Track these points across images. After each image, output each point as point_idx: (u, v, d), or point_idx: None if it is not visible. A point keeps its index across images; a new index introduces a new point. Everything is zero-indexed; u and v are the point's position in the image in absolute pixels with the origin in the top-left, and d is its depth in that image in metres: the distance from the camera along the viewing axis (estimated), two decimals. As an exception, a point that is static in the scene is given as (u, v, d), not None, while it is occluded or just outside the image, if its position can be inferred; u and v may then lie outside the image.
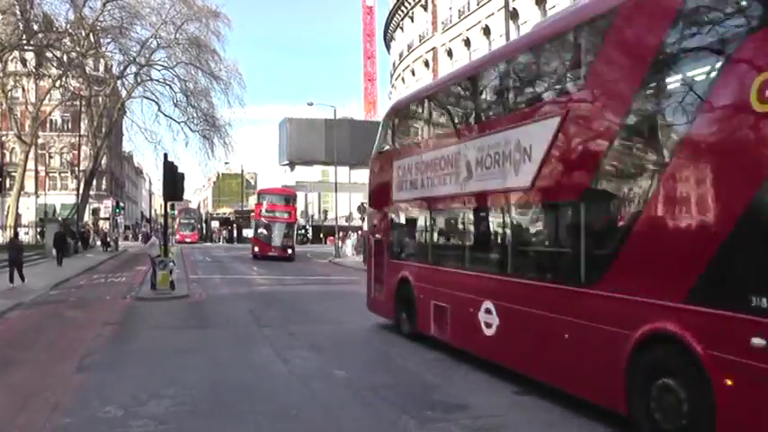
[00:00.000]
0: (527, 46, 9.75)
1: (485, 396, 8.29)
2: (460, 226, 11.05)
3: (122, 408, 7.43)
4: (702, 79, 6.15)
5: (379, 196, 14.08)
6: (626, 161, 7.21)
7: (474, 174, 9.88)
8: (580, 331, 7.28)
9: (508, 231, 9.35)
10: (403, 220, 13.27)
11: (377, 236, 14.12)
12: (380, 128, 14.62)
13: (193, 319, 15.61)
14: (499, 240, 9.78)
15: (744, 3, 5.84)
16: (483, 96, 10.80)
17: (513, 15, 29.23)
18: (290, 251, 40.07)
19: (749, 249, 5.39)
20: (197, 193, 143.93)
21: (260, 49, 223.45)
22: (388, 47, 55.08)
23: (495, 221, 9.99)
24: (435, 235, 11.95)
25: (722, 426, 5.48)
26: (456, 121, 11.55)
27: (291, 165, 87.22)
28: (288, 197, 43.97)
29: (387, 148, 14.00)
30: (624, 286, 6.63)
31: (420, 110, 13.03)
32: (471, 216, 10.57)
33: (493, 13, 33.47)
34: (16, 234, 28.78)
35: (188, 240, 69.63)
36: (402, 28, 48.08)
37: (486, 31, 34.70)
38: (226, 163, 56.25)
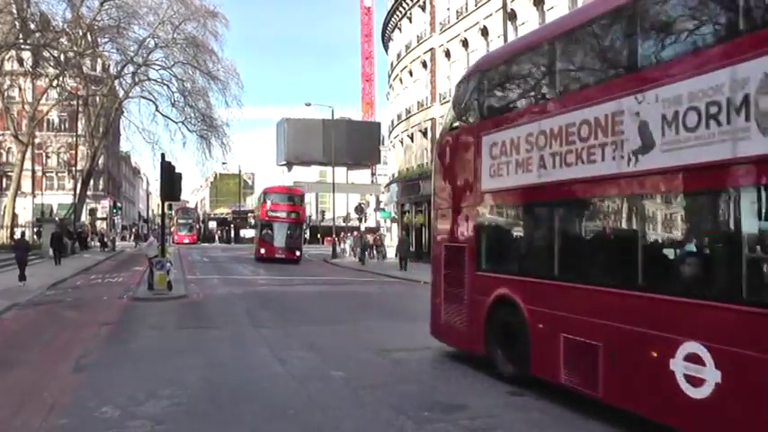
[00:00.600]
0: None
1: (482, 396, 8.29)
2: (623, 221, 7.71)
3: (119, 408, 7.42)
4: None
5: (457, 187, 10.59)
6: None
7: (660, 141, 6.57)
8: None
9: (745, 229, 5.92)
10: (501, 218, 9.85)
11: (451, 240, 10.60)
12: (455, 95, 11.31)
13: (191, 319, 15.59)
14: (720, 244, 6.44)
15: None
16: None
17: (511, 16, 29.24)
18: (297, 253, 38.72)
19: None
20: (194, 194, 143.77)
21: (258, 49, 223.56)
22: (386, 47, 55.03)
23: (704, 213, 6.78)
24: (569, 236, 8.42)
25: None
26: (622, 57, 7.58)
27: (289, 165, 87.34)
28: (295, 196, 42.21)
29: (470, 119, 10.48)
30: None
31: (536, 59, 9.29)
32: (648, 206, 7.12)
33: (491, 14, 33.44)
34: (23, 234, 29.06)
35: (186, 241, 68.65)
36: (400, 28, 48.04)
37: (485, 31, 34.68)
38: (223, 163, 56.24)
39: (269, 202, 39.88)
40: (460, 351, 10.42)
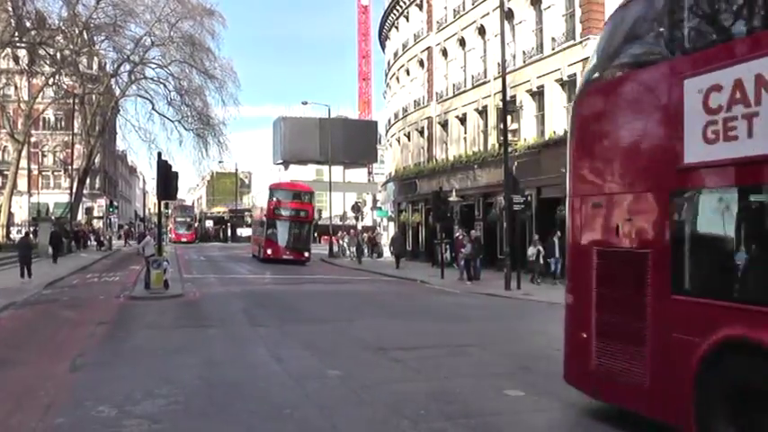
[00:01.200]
0: None
1: (480, 396, 8.29)
2: None
3: (116, 407, 7.41)
4: None
5: (622, 162, 7.09)
6: None
7: None
8: None
9: None
10: (724, 208, 5.98)
11: (612, 243, 7.04)
12: (613, 27, 7.63)
13: (187, 318, 15.59)
14: None
15: None
16: None
17: (508, 15, 29.24)
18: (306, 254, 36.92)
19: None
20: (191, 193, 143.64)
21: (255, 48, 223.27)
22: (383, 46, 55.03)
23: None
24: None
25: None
26: None
27: (285, 164, 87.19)
28: (303, 193, 40.07)
29: (653, 56, 6.92)
30: None
31: None
32: None
33: (488, 13, 33.46)
34: (27, 233, 29.48)
35: (184, 240, 67.24)
36: (397, 27, 48.04)
37: (482, 30, 34.70)
38: (220, 162, 56.00)
39: (276, 200, 37.72)
40: (629, 411, 6.74)
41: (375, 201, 59.00)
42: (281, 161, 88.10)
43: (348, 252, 43.86)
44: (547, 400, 8.12)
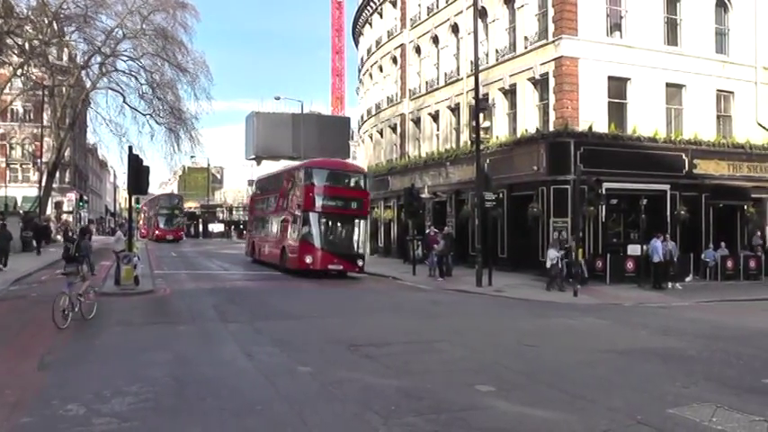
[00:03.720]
0: None
1: (451, 392, 8.38)
2: None
3: (84, 405, 7.36)
4: None
5: None
6: None
7: None
8: None
9: None
10: None
11: None
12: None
13: (158, 314, 15.52)
14: None
15: None
16: None
17: (481, 14, 29.39)
18: (360, 262, 26.80)
19: None
20: (162, 187, 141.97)
21: (228, 42, 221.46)
22: (356, 42, 54.98)
23: None
24: None
25: None
26: None
27: (258, 159, 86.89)
28: (356, 176, 28.90)
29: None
30: None
31: None
32: None
33: (461, 11, 33.62)
34: (4, 224, 29.22)
35: (170, 237, 58.76)
36: (371, 23, 48.03)
37: (455, 28, 34.84)
38: (192, 157, 55.56)
39: (316, 184, 26.60)
40: None
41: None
42: (253, 156, 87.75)
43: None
44: (517, 394, 8.24)
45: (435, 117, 37.32)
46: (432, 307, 18.22)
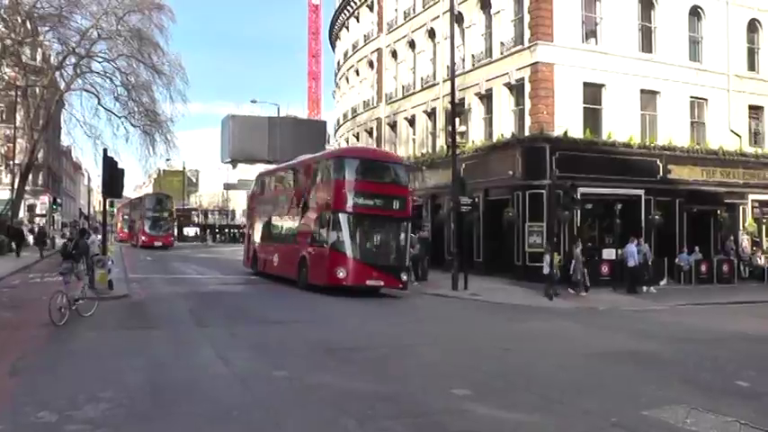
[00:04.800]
0: None
1: (427, 395, 8.40)
2: None
3: (57, 412, 7.24)
4: None
5: None
6: None
7: None
8: None
9: None
10: None
11: None
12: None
13: (133, 319, 15.33)
14: None
15: None
16: None
17: (458, 19, 29.53)
18: (404, 276, 21.77)
19: None
20: (137, 191, 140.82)
21: (204, 44, 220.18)
22: (333, 46, 55.02)
23: None
24: None
25: None
26: None
27: (234, 163, 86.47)
28: (397, 169, 23.23)
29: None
30: None
31: None
32: None
33: (438, 16, 33.77)
34: None
35: (158, 244, 51.85)
36: (347, 27, 48.09)
37: (432, 33, 34.99)
38: (167, 160, 54.79)
39: (350, 178, 21.53)
40: None
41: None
42: (229, 160, 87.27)
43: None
44: (493, 398, 8.28)
45: (411, 121, 37.43)
46: (408, 310, 18.25)
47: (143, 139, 46.86)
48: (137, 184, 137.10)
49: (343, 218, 20.99)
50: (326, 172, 22.80)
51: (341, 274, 20.61)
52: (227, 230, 78.75)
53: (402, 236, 21.97)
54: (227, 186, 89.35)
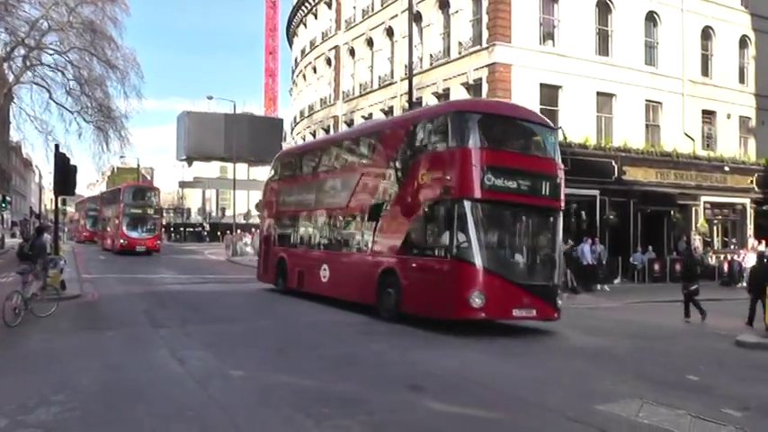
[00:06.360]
0: None
1: (380, 392, 8.43)
2: None
3: (6, 417, 7.03)
4: None
5: None
6: None
7: None
8: None
9: None
10: None
11: None
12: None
13: (86, 320, 15.05)
14: None
15: None
16: None
17: (416, 18, 29.64)
18: (559, 302, 14.92)
19: None
20: (90, 188, 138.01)
21: (159, 40, 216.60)
22: (290, 43, 54.71)
23: None
24: None
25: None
26: None
27: (189, 160, 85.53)
28: (543, 133, 15.50)
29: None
30: None
31: None
32: None
33: (396, 15, 33.84)
34: None
35: (140, 249, 41.97)
36: (305, 24, 47.88)
37: (390, 32, 35.04)
38: (121, 157, 53.87)
39: (482, 149, 13.74)
40: None
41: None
42: (184, 157, 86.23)
43: (251, 251, 42.42)
44: (451, 395, 8.34)
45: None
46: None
47: (96, 135, 45.90)
48: (89, 182, 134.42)
49: (473, 209, 13.44)
50: (436, 136, 14.97)
51: (477, 301, 13.04)
52: (182, 229, 77.64)
53: (554, 237, 14.87)
54: (183, 184, 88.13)
